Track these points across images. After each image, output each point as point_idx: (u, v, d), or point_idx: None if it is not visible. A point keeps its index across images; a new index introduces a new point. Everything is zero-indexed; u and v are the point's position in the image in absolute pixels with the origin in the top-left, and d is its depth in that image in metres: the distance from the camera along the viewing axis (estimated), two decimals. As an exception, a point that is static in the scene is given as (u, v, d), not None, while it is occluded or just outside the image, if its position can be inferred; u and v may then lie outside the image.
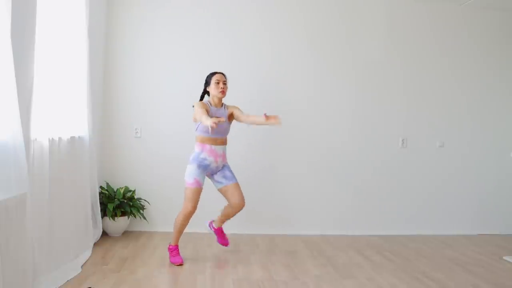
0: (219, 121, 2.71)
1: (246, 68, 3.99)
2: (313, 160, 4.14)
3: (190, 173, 3.04)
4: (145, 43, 3.91)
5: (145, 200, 3.89)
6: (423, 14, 4.29)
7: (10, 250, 1.96)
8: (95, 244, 3.35)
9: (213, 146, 3.09)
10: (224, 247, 3.45)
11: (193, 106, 3.16)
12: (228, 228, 3.98)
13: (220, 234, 3.40)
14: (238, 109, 3.20)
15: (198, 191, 3.02)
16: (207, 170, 3.13)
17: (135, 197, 3.83)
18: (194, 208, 3.02)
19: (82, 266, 2.82)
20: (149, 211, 3.92)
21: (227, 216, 3.28)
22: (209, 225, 3.46)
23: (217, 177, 3.19)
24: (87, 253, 3.05)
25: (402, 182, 4.29)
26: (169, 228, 3.88)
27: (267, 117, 2.87)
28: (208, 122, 2.66)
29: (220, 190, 3.20)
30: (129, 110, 3.92)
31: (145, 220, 3.84)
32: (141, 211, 3.72)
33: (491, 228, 4.43)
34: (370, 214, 4.23)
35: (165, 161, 3.94)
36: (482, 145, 4.43)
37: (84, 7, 3.07)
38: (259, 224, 3.90)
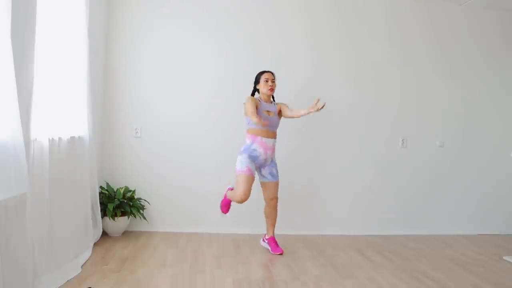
0: (265, 123, 3.00)
1: (246, 68, 3.99)
2: (312, 160, 4.14)
3: (242, 162, 3.20)
4: (145, 43, 3.91)
5: (145, 200, 3.89)
6: (423, 14, 4.29)
7: (10, 250, 1.96)
8: (95, 244, 3.35)
9: (264, 139, 3.25)
10: (276, 254, 3.37)
11: (244, 103, 3.29)
12: (229, 228, 3.99)
13: (272, 244, 3.41)
14: (286, 106, 3.39)
15: (250, 178, 3.16)
16: (256, 162, 3.27)
17: (135, 197, 3.83)
18: (245, 194, 3.13)
19: (82, 266, 2.82)
20: (149, 211, 3.92)
21: (269, 218, 3.40)
22: (263, 241, 3.51)
23: (264, 172, 3.35)
24: (87, 253, 3.05)
25: (402, 182, 4.29)
26: (169, 228, 3.91)
27: (316, 106, 3.02)
28: (254, 119, 2.99)
29: (261, 183, 3.40)
30: (129, 110, 3.92)
31: (145, 220, 3.84)
32: (141, 211, 3.72)
33: (491, 228, 4.43)
34: (370, 214, 4.23)
35: (165, 161, 3.94)
36: (482, 145, 4.43)
37: (84, 7, 3.06)
38: (260, 224, 3.89)
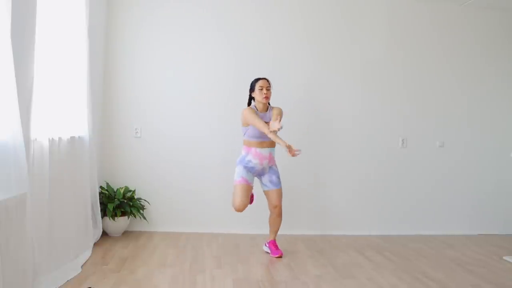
0: (279, 128, 2.92)
1: (246, 68, 3.99)
2: (312, 160, 4.14)
3: (237, 173, 3.25)
4: (145, 43, 3.91)
5: (145, 200, 3.88)
6: (423, 14, 4.29)
7: (10, 250, 1.96)
8: (95, 244, 3.35)
9: (258, 149, 3.23)
10: (275, 257, 3.32)
11: (243, 113, 3.26)
12: (229, 228, 3.99)
13: (272, 247, 3.38)
14: (275, 113, 3.25)
15: (246, 188, 3.19)
16: (254, 172, 3.27)
17: (135, 197, 3.82)
18: (242, 203, 3.17)
19: (82, 266, 2.82)
20: (149, 211, 3.92)
21: (272, 225, 3.38)
22: (265, 245, 3.48)
23: (264, 180, 3.33)
24: (87, 253, 3.05)
25: (402, 182, 4.29)
26: (169, 228, 3.91)
27: (290, 150, 3.00)
28: (282, 143, 2.96)
29: (264, 192, 3.36)
30: (129, 110, 3.92)
31: (145, 220, 3.84)
32: (141, 211, 3.72)
33: (491, 228, 4.43)
34: (370, 214, 4.23)
35: (165, 161, 3.94)
36: (482, 145, 4.42)
37: (84, 7, 3.07)
38: (260, 224, 3.88)
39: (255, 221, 3.89)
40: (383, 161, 4.25)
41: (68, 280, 2.55)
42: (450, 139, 4.37)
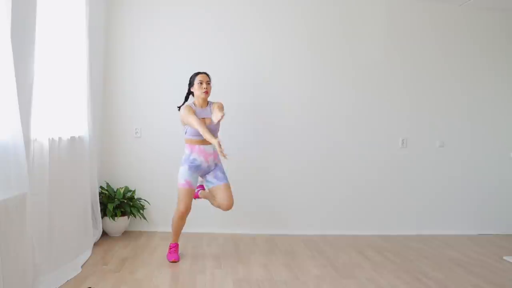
0: (222, 116, 2.83)
1: (246, 68, 3.99)
2: (313, 160, 4.14)
3: (181, 175, 3.10)
4: (145, 43, 3.91)
5: (145, 200, 3.88)
6: (423, 14, 4.29)
7: (10, 250, 1.96)
8: (95, 244, 3.35)
9: (201, 146, 3.12)
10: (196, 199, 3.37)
11: (179, 109, 3.19)
12: (229, 228, 3.99)
13: (200, 195, 3.38)
14: (216, 106, 3.12)
15: (189, 192, 3.08)
16: (199, 171, 3.15)
17: (135, 197, 3.82)
18: (186, 208, 3.07)
19: (82, 266, 2.82)
20: (149, 211, 3.92)
21: (212, 200, 3.25)
22: (198, 191, 3.42)
23: (209, 177, 3.20)
24: (87, 253, 3.05)
25: (402, 182, 4.29)
26: (169, 228, 3.88)
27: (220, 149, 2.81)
28: (214, 140, 2.82)
29: (210, 190, 3.20)
30: (129, 110, 3.92)
31: (145, 220, 3.84)
32: (141, 211, 3.72)
33: (491, 228, 4.43)
34: (370, 214, 4.23)
35: (165, 161, 3.94)
36: (482, 145, 4.42)
37: (84, 7, 3.07)
38: (259, 224, 3.89)
39: (255, 221, 3.90)
40: (383, 161, 4.25)
41: (68, 280, 2.55)
42: (450, 139, 4.37)
